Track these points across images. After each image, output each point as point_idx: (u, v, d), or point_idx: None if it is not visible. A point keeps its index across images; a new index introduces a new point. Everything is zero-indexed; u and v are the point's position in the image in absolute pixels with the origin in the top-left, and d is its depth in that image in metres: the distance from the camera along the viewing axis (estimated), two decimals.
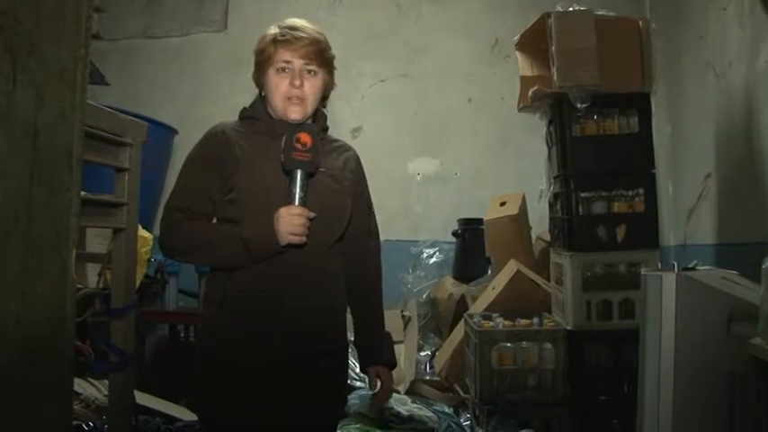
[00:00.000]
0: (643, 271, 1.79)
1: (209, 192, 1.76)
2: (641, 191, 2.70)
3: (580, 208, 2.70)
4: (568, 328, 2.71)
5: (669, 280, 1.64)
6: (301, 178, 1.70)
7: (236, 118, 1.90)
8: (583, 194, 2.71)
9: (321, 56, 1.81)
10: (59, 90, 0.81)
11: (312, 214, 1.69)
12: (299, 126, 1.77)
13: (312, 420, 1.77)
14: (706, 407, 1.63)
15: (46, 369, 0.82)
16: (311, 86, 1.81)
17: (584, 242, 2.69)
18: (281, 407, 1.70)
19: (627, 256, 2.70)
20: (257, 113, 1.85)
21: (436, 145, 4.68)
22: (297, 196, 1.69)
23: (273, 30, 1.82)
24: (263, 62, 1.81)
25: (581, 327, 2.68)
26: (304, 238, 1.69)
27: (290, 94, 1.79)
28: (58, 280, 0.82)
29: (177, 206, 1.76)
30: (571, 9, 2.71)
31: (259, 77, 1.84)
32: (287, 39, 1.78)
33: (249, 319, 1.71)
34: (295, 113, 1.81)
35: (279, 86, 1.80)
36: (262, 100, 1.86)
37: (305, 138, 1.73)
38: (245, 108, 1.90)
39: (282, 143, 1.71)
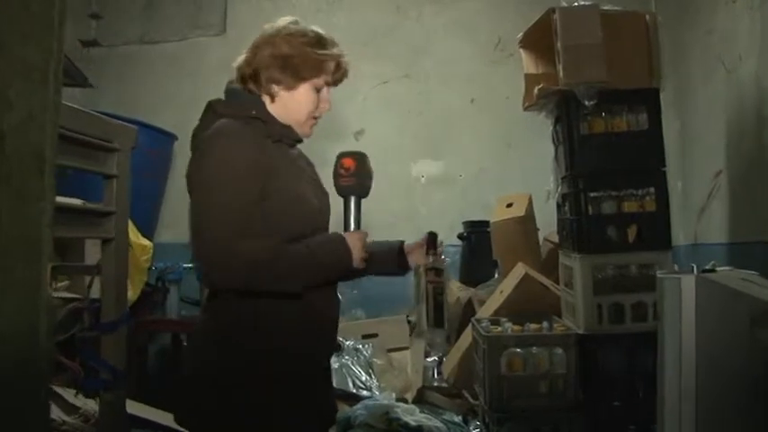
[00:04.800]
0: (659, 274, 1.71)
1: (254, 207, 1.58)
2: (652, 189, 2.63)
3: (589, 208, 2.63)
4: (579, 332, 2.63)
5: (688, 283, 1.56)
6: (356, 203, 1.69)
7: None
8: (592, 194, 2.63)
9: None
10: (27, 89, 0.74)
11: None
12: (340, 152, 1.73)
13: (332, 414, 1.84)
14: (730, 414, 1.55)
15: (16, 391, 0.75)
16: None
17: (594, 243, 2.61)
18: (322, 411, 1.75)
19: (638, 257, 2.62)
20: (262, 114, 1.71)
21: (440, 146, 4.61)
22: (358, 221, 1.69)
23: (329, 44, 1.70)
24: (301, 72, 1.68)
25: (592, 330, 2.60)
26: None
27: (316, 115, 1.74)
28: (30, 295, 0.75)
29: (238, 230, 1.52)
30: (576, 4, 2.64)
31: (283, 80, 1.69)
32: (346, 67, 1.72)
33: (296, 330, 1.65)
34: (309, 133, 1.77)
35: (308, 104, 1.71)
36: (262, 99, 1.76)
37: (348, 162, 1.71)
38: (234, 104, 1.73)
39: (351, 165, 1.69)
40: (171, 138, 4.21)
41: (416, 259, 1.86)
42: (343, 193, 1.70)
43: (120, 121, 1.92)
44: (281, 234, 1.61)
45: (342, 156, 1.71)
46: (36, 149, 0.75)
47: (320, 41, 1.69)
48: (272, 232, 1.60)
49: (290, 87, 1.71)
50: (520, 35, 2.92)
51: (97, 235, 1.87)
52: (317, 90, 1.71)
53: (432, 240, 1.85)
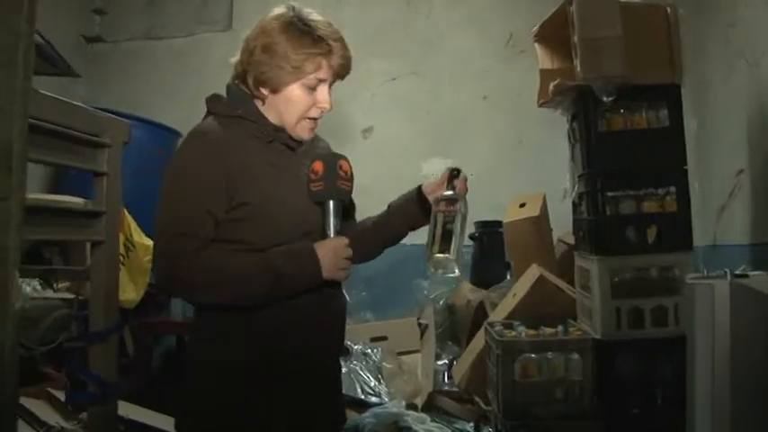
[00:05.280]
0: (689, 279, 1.61)
1: (215, 212, 1.53)
2: (673, 189, 2.52)
3: (607, 208, 2.52)
4: (597, 337, 2.53)
5: (722, 288, 1.46)
6: (338, 207, 1.62)
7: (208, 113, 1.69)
8: (610, 194, 2.53)
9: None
10: None
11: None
12: (329, 152, 1.68)
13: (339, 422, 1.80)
14: (766, 422, 1.46)
15: None
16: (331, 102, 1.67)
17: (613, 245, 2.51)
18: (313, 411, 1.66)
19: (659, 259, 2.51)
20: (250, 114, 1.64)
21: (450, 145, 4.51)
22: (335, 227, 1.61)
23: (319, 39, 1.58)
24: (283, 72, 1.58)
25: (610, 336, 2.50)
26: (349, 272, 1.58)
27: (312, 116, 1.64)
28: None
29: (183, 232, 1.49)
30: None
31: (270, 80, 1.60)
32: (339, 60, 1.61)
33: (285, 332, 1.59)
34: (308, 135, 1.67)
35: (299, 105, 1.62)
36: (253, 98, 1.66)
37: (345, 165, 1.64)
38: (222, 102, 1.67)
39: (320, 168, 1.61)
40: (176, 135, 4.12)
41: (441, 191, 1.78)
42: (315, 198, 1.62)
43: (111, 114, 1.81)
44: (261, 240, 1.54)
45: (311, 160, 1.64)
46: (2, 143, 0.66)
47: (307, 35, 1.58)
48: (249, 238, 1.54)
49: (274, 90, 1.62)
50: (535, 28, 2.82)
51: (85, 237, 1.76)
52: (311, 88, 1.61)
53: (453, 175, 1.77)
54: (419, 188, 1.82)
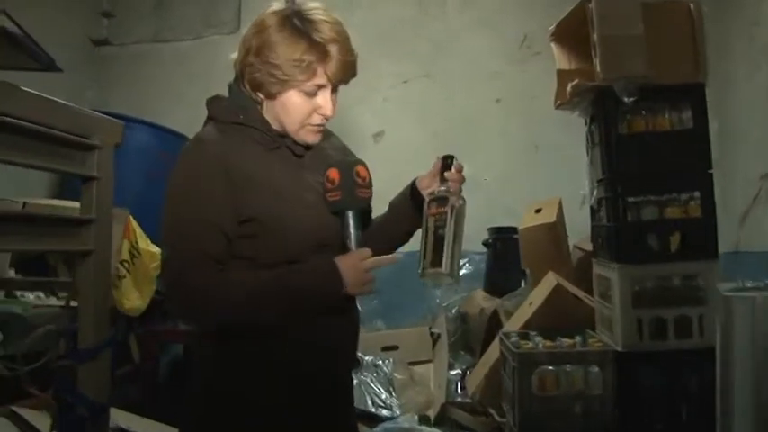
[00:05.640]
0: (724, 291, 1.50)
1: (225, 228, 1.42)
2: (697, 194, 2.40)
3: (628, 214, 2.41)
4: (617, 348, 2.42)
5: (763, 302, 1.35)
6: (358, 217, 1.50)
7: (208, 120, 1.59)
8: (631, 199, 2.41)
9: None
10: None
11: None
12: (345, 158, 1.58)
13: None
14: None
15: None
16: (335, 107, 1.55)
17: (634, 253, 2.40)
18: (326, 427, 1.58)
19: (682, 267, 2.39)
20: (252, 121, 1.53)
21: (463, 149, 4.30)
22: (357, 239, 1.49)
23: (306, 31, 1.46)
24: (278, 78, 1.47)
25: (632, 347, 2.39)
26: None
27: (314, 123, 1.53)
28: None
29: (193, 256, 1.39)
30: None
31: (263, 86, 1.50)
32: (337, 67, 1.48)
33: (300, 352, 1.50)
34: (313, 139, 1.55)
35: (300, 111, 1.50)
36: (253, 102, 1.55)
37: (363, 171, 1.53)
38: (223, 105, 1.56)
39: (336, 176, 1.49)
40: (182, 139, 4.04)
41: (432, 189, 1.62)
42: (334, 209, 1.50)
43: (103, 115, 1.70)
44: (273, 257, 1.43)
45: (326, 168, 1.53)
46: None
47: (302, 37, 1.46)
48: (259, 255, 1.44)
49: (269, 96, 1.51)
50: (551, 27, 2.72)
51: (71, 247, 1.64)
52: (311, 94, 1.50)
53: (446, 165, 1.61)
54: (413, 183, 1.70)
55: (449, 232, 1.49)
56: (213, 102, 1.60)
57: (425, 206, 1.57)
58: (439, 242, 1.48)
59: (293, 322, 1.47)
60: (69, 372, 1.62)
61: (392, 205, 1.73)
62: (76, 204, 2.02)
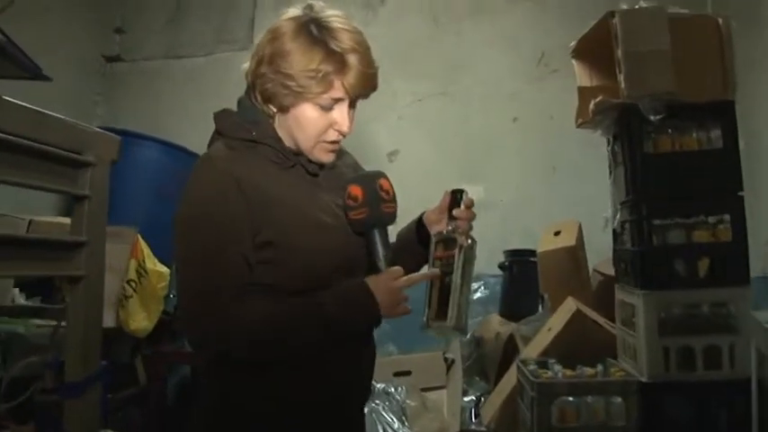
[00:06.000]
0: (765, 321, 1.39)
1: (245, 253, 1.33)
2: (727, 217, 2.29)
3: (654, 238, 2.30)
4: (642, 379, 2.30)
5: None
6: (384, 234, 1.40)
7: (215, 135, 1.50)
8: (656, 222, 2.31)
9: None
10: None
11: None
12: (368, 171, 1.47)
13: None
14: None
15: None
16: (353, 123, 1.45)
17: (660, 278, 2.29)
18: None
19: (711, 294, 2.28)
20: (265, 138, 1.43)
21: (479, 169, 4.30)
22: (386, 257, 1.38)
23: (324, 39, 1.36)
24: (292, 90, 1.36)
25: (657, 377, 2.27)
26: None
27: (329, 139, 1.42)
28: None
29: (214, 288, 1.29)
30: (637, 7, 2.34)
31: (275, 98, 1.40)
32: (356, 79, 1.37)
33: (314, 381, 1.41)
34: (328, 158, 1.45)
35: (314, 126, 1.39)
36: (265, 116, 1.46)
37: (386, 184, 1.42)
38: (233, 120, 1.45)
39: (359, 193, 1.39)
40: (194, 156, 3.98)
41: (439, 228, 1.50)
42: (357, 228, 1.39)
43: (97, 129, 1.57)
44: (296, 283, 1.33)
45: (346, 184, 1.42)
46: None
47: (319, 46, 1.36)
48: (281, 282, 1.33)
49: (282, 109, 1.40)
50: (572, 43, 2.63)
51: (60, 272, 1.51)
52: (327, 108, 1.39)
53: (455, 200, 1.49)
54: (420, 218, 1.59)
55: (456, 280, 1.38)
56: (222, 116, 1.50)
57: (431, 247, 1.46)
58: (444, 291, 1.38)
59: (319, 351, 1.37)
60: (54, 408, 1.50)
61: (399, 238, 1.64)
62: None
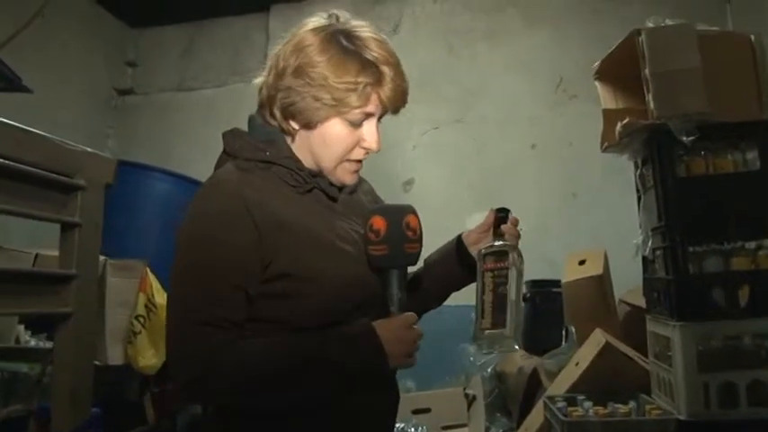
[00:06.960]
0: None
1: (246, 287, 1.23)
2: (767, 242, 2.16)
3: (689, 266, 2.17)
4: (680, 417, 2.15)
5: None
6: (403, 276, 1.29)
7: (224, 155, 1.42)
8: (692, 249, 2.18)
9: None
10: None
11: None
12: (397, 206, 1.35)
13: None
14: None
15: None
16: (380, 141, 1.36)
17: (697, 309, 2.15)
18: None
19: (753, 324, 2.13)
20: (281, 158, 1.33)
21: (497, 197, 4.14)
22: (400, 302, 1.27)
23: (356, 50, 1.28)
24: (325, 103, 1.28)
25: (697, 416, 2.12)
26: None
27: (355, 158, 1.33)
28: None
29: (206, 320, 1.17)
30: (663, 25, 2.24)
31: (303, 113, 1.30)
32: (393, 92, 1.31)
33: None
34: (351, 179, 1.36)
35: (343, 143, 1.31)
36: (282, 134, 1.37)
37: (414, 222, 1.31)
38: (244, 140, 1.36)
39: (382, 227, 1.27)
40: None
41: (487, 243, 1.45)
42: (375, 265, 1.28)
43: (90, 150, 1.46)
44: (304, 319, 1.21)
45: (370, 214, 1.31)
46: None
47: (353, 57, 1.27)
48: (288, 317, 1.21)
49: (308, 125, 1.31)
50: (595, 64, 2.53)
51: (45, 309, 1.34)
52: (356, 125, 1.30)
53: (501, 218, 1.46)
54: (459, 238, 1.51)
55: (511, 289, 1.34)
56: (231, 136, 1.41)
57: (479, 262, 1.41)
58: (500, 300, 1.33)
59: (323, 399, 1.25)
60: None
61: (429, 264, 1.53)
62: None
